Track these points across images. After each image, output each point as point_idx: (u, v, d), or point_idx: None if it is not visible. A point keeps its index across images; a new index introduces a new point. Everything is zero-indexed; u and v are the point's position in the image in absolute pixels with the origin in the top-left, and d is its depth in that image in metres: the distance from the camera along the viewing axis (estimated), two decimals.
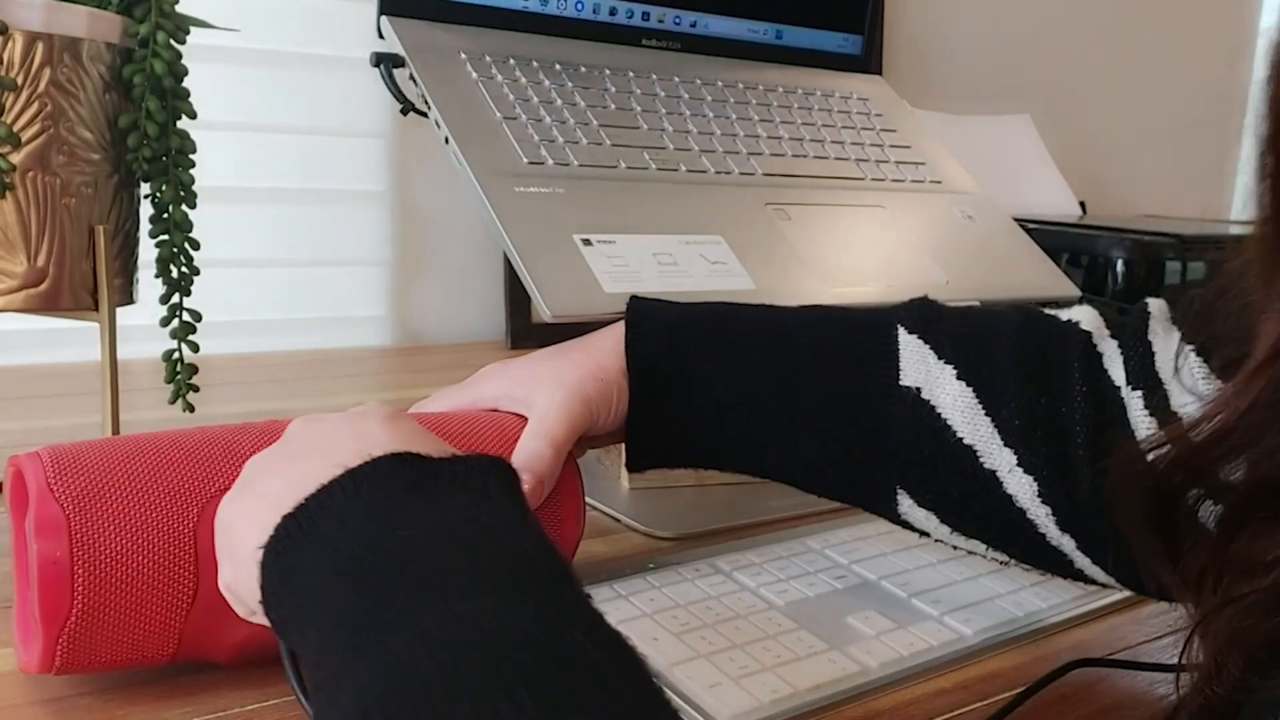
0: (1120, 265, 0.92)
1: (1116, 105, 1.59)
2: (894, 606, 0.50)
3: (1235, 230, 1.18)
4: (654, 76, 0.74)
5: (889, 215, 0.75)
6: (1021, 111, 1.32)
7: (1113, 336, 0.45)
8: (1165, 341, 0.43)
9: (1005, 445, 0.43)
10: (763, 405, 0.46)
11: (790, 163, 0.74)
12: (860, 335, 0.47)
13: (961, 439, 0.44)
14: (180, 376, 0.61)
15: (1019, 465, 0.43)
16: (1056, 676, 0.44)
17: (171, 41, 0.56)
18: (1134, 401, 0.42)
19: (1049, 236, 0.87)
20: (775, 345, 0.47)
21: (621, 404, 0.47)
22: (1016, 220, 0.82)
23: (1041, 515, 0.43)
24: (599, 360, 0.48)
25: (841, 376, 0.46)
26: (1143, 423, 0.41)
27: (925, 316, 0.47)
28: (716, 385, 0.47)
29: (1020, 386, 0.44)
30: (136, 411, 0.64)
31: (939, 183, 0.81)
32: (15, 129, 0.52)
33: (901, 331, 0.47)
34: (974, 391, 0.44)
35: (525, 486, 0.39)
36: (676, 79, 0.75)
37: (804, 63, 0.85)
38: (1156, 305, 0.45)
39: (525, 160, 0.62)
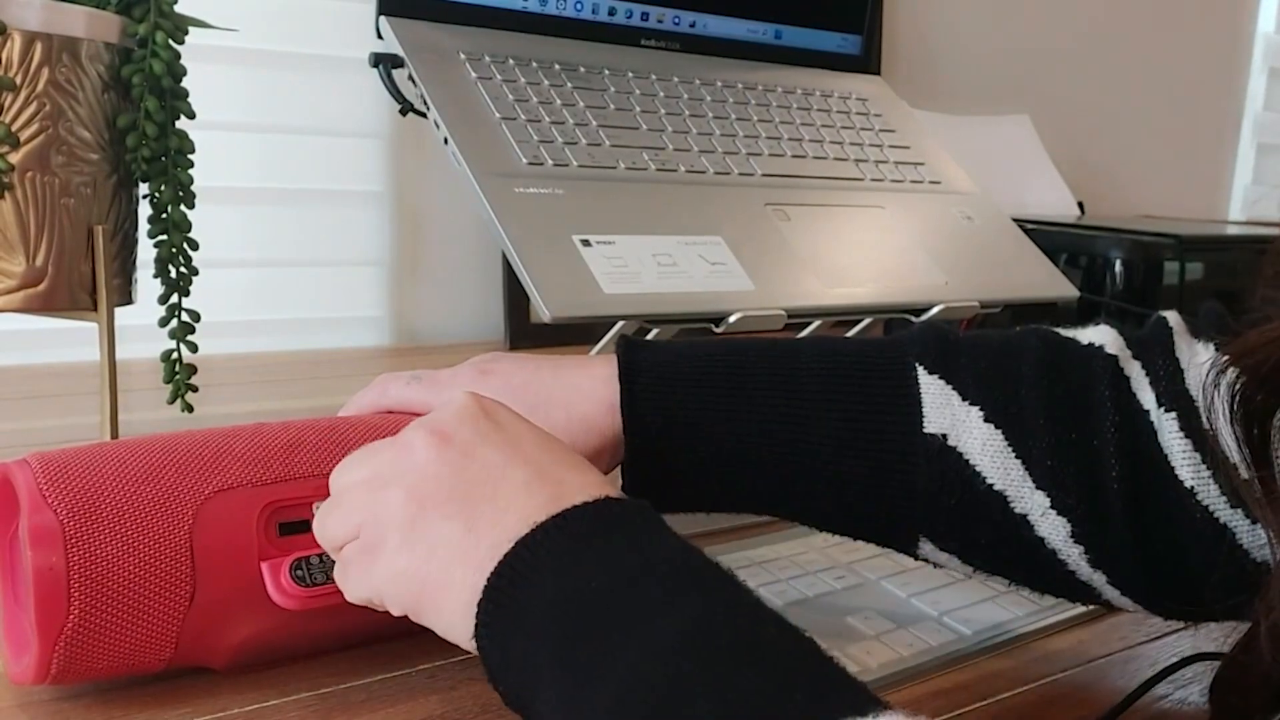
0: (1119, 266, 0.92)
1: (1115, 106, 1.59)
2: (894, 606, 0.50)
3: (1234, 230, 1.18)
4: (653, 77, 0.74)
5: (888, 216, 0.75)
6: (1020, 112, 1.32)
7: (1136, 357, 0.43)
8: (1190, 356, 0.42)
9: (1037, 488, 0.41)
10: (773, 458, 0.43)
11: (789, 163, 0.74)
12: (876, 378, 0.44)
13: (991, 485, 0.42)
14: (179, 376, 0.60)
15: (1052, 508, 0.41)
16: (1173, 671, 0.44)
17: (170, 41, 0.56)
18: (1166, 424, 0.40)
19: (1047, 237, 0.87)
20: (783, 393, 0.44)
21: (615, 457, 0.45)
22: (1015, 220, 0.82)
23: (1074, 555, 0.41)
24: (590, 420, 0.44)
25: (859, 425, 0.43)
26: (1176, 445, 0.40)
27: (943, 351, 0.44)
28: (722, 440, 0.44)
29: (1050, 424, 0.42)
30: (135, 412, 0.64)
31: (938, 183, 0.81)
32: (14, 129, 0.52)
33: (921, 372, 0.43)
34: (1003, 434, 0.42)
35: None
36: (676, 79, 0.75)
37: (803, 63, 0.85)
38: (1175, 319, 0.44)
39: (524, 161, 0.62)
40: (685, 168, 0.69)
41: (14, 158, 0.52)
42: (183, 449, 0.40)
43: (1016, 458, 0.42)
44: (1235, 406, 0.37)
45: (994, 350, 0.44)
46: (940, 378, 0.43)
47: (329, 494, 0.40)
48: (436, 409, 0.38)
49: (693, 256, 0.62)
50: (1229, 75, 1.76)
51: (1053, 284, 0.77)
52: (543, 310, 0.54)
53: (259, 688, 0.40)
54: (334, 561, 0.40)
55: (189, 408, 0.61)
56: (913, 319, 0.69)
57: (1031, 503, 0.41)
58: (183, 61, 0.57)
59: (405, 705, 0.40)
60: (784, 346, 0.46)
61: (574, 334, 0.93)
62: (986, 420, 0.42)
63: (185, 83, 0.57)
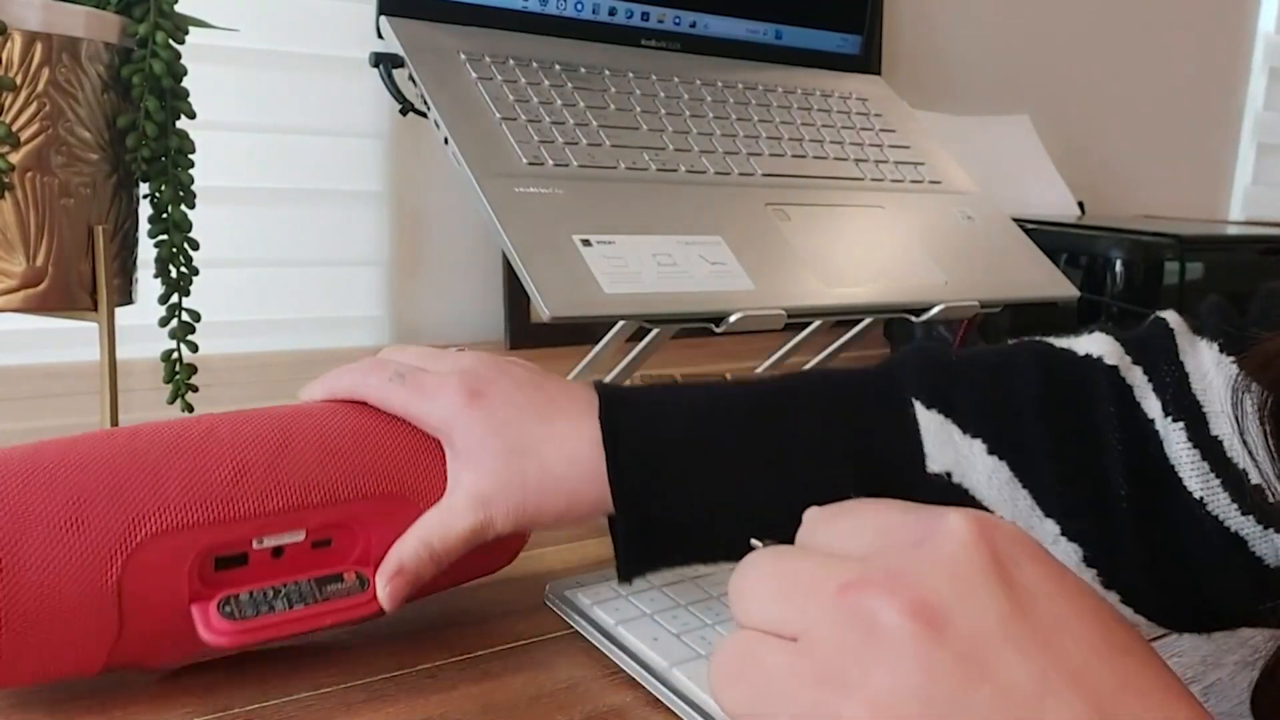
0: (1119, 266, 0.92)
1: (1115, 105, 1.59)
2: None
3: (1234, 230, 1.18)
4: (654, 77, 0.74)
5: (888, 215, 0.75)
6: (1020, 112, 1.32)
7: (1136, 363, 0.42)
8: (1194, 358, 0.41)
9: (1046, 516, 0.40)
10: (771, 510, 0.41)
11: (790, 163, 0.74)
12: (873, 419, 0.42)
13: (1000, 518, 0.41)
14: (179, 376, 0.60)
15: (1063, 535, 0.40)
16: None
17: (170, 41, 0.56)
18: (1174, 434, 0.39)
19: (1048, 237, 0.87)
20: (776, 441, 0.42)
21: (594, 514, 0.43)
22: (1015, 220, 0.82)
23: (1087, 579, 0.40)
24: (565, 483, 0.41)
25: (859, 471, 0.41)
26: (1184, 456, 0.39)
27: (938, 381, 0.42)
28: (715, 497, 0.41)
29: (1055, 449, 0.40)
30: (135, 411, 0.64)
31: (938, 183, 0.81)
32: (14, 129, 0.52)
33: (919, 408, 0.42)
34: (1007, 465, 0.40)
35: (398, 580, 0.40)
36: (676, 79, 0.75)
37: (803, 63, 0.85)
38: (1174, 320, 0.43)
39: (524, 161, 0.62)
40: (685, 168, 0.69)
41: (14, 158, 0.52)
42: (117, 476, 0.38)
43: (1024, 488, 0.41)
44: (1264, 419, 0.36)
45: (989, 373, 0.43)
46: (939, 412, 0.42)
47: (274, 528, 0.39)
48: (919, 552, 0.25)
49: (693, 256, 0.62)
50: (1229, 75, 1.76)
51: (1053, 284, 0.77)
52: (543, 310, 0.54)
53: (259, 685, 0.40)
54: (265, 596, 0.39)
55: (189, 407, 0.61)
56: (913, 319, 0.69)
57: (1042, 531, 0.40)
58: (183, 61, 0.57)
59: (405, 705, 0.40)
60: (773, 391, 0.44)
61: (574, 334, 0.93)
62: (990, 453, 0.41)
63: (185, 83, 0.57)
